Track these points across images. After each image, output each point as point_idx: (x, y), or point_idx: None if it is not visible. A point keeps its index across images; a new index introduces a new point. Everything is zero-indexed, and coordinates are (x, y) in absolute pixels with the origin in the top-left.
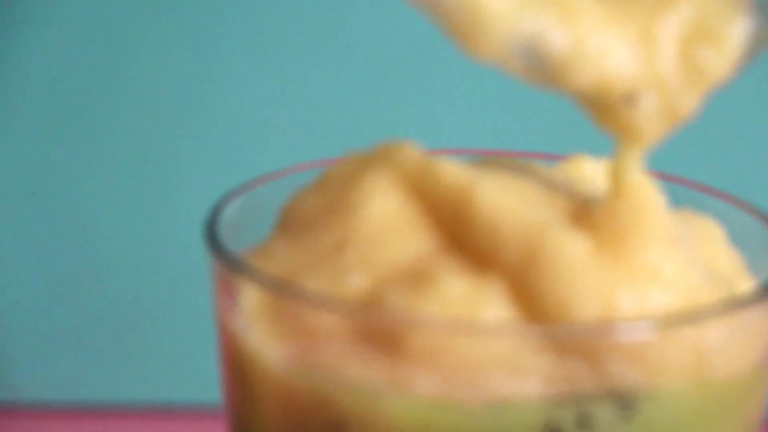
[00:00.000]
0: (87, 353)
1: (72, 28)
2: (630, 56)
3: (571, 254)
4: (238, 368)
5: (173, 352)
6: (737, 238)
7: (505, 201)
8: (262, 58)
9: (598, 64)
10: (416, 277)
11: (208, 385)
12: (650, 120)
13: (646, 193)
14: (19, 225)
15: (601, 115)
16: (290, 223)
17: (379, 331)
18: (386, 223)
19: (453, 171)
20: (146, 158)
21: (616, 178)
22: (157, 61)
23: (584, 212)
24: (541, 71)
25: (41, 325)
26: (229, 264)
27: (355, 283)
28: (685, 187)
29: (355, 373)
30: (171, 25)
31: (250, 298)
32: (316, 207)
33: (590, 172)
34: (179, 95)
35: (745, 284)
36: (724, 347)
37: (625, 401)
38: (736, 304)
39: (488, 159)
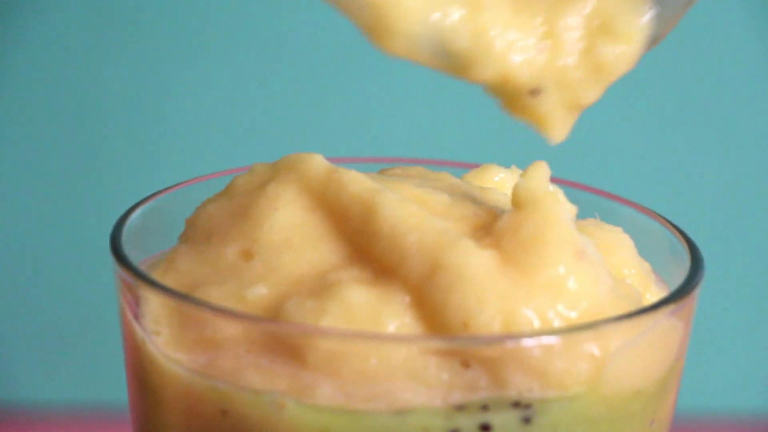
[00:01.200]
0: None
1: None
2: (534, 51)
3: (473, 267)
4: (142, 375)
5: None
6: (645, 246)
7: (409, 213)
8: (177, 68)
9: (502, 58)
10: (319, 288)
11: None
12: (554, 111)
13: (551, 207)
14: None
15: (509, 105)
16: (195, 232)
17: (281, 341)
18: (290, 233)
19: (358, 182)
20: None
21: (521, 191)
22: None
23: (490, 224)
24: (448, 64)
25: None
26: (132, 273)
27: (259, 293)
28: (592, 194)
29: (257, 381)
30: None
31: (154, 307)
32: (220, 217)
33: (500, 181)
34: (101, 104)
35: (654, 294)
36: (626, 358)
37: (525, 411)
38: (636, 315)
39: (397, 168)
